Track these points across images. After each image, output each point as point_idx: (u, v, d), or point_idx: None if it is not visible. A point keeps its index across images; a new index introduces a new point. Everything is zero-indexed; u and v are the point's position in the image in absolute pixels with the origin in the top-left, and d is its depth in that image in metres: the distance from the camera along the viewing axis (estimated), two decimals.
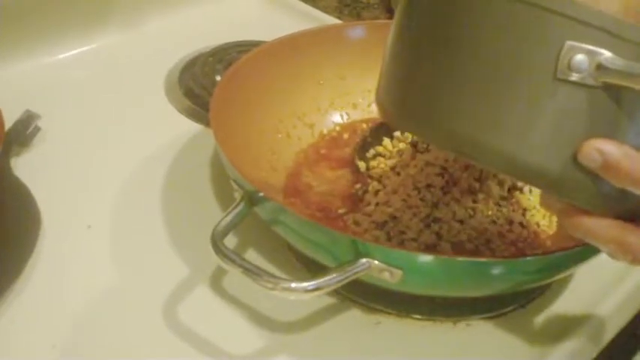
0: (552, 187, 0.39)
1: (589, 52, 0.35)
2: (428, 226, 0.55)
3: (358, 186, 0.61)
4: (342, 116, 0.69)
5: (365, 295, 0.53)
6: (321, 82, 0.68)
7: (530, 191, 0.59)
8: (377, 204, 0.58)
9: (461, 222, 0.56)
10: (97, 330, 0.51)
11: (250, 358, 0.50)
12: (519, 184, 0.59)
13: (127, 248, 0.57)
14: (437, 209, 0.56)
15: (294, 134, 0.66)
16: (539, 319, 0.53)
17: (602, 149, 0.36)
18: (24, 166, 0.64)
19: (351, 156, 0.64)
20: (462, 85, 0.38)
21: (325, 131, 0.67)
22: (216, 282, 0.54)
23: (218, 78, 0.75)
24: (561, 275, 0.53)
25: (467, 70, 0.38)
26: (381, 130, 0.64)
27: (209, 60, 0.79)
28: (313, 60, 0.68)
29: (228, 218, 0.49)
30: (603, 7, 0.36)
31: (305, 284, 0.44)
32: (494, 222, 0.56)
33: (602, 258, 0.42)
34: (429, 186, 0.58)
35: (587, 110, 0.36)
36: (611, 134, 0.37)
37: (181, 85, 0.77)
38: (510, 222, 0.57)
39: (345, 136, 0.67)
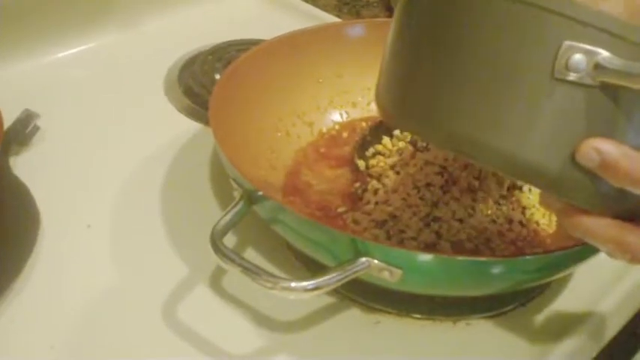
0: (551, 187, 0.39)
1: (587, 52, 0.35)
2: (427, 225, 0.55)
3: (358, 185, 0.61)
4: (341, 115, 0.69)
5: (364, 294, 0.53)
6: (321, 80, 0.68)
7: (530, 190, 0.59)
8: (376, 203, 0.58)
9: (460, 221, 0.56)
10: (96, 330, 0.51)
11: (250, 358, 0.50)
12: (519, 182, 0.58)
13: (126, 247, 0.57)
14: (436, 208, 0.56)
15: (294, 133, 0.65)
16: (539, 318, 0.53)
17: (600, 149, 0.36)
18: (23, 166, 0.64)
19: (351, 155, 0.64)
20: (461, 85, 0.38)
21: (325, 130, 0.67)
22: (215, 281, 0.54)
23: (217, 77, 0.75)
24: (561, 274, 0.53)
25: (466, 70, 0.38)
26: (380, 129, 0.64)
27: (208, 59, 0.78)
28: (312, 58, 0.68)
29: (228, 217, 0.49)
30: (607, 10, 0.36)
31: (304, 283, 0.44)
32: (493, 221, 0.56)
33: (602, 257, 0.42)
34: (428, 185, 0.58)
35: (585, 110, 0.36)
36: (609, 134, 0.37)
37: (181, 83, 0.76)
38: (510, 221, 0.57)
39: (345, 134, 0.67)
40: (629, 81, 0.35)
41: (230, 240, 0.55)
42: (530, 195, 0.59)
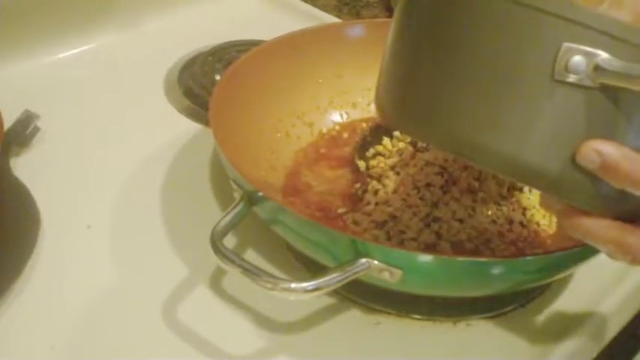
0: (551, 188, 0.39)
1: (586, 54, 0.35)
2: (428, 225, 0.55)
3: (358, 185, 0.61)
4: (341, 115, 0.69)
5: (365, 295, 0.53)
6: (321, 81, 0.68)
7: (530, 190, 0.59)
8: (376, 203, 0.58)
9: (460, 221, 0.56)
10: (97, 330, 0.51)
11: (250, 359, 0.50)
12: (519, 184, 0.58)
13: (126, 248, 0.57)
14: (436, 208, 0.56)
15: (294, 133, 0.65)
16: (540, 318, 0.53)
17: (600, 150, 0.36)
18: (23, 167, 0.64)
19: (351, 155, 0.64)
20: (461, 85, 0.38)
21: (325, 130, 0.67)
22: (215, 282, 0.54)
23: (217, 77, 0.75)
24: (561, 275, 0.53)
25: (466, 70, 0.38)
26: (380, 130, 0.64)
27: (208, 59, 0.78)
28: (312, 59, 0.68)
29: (228, 218, 0.49)
30: (614, 15, 0.37)
31: (304, 284, 0.44)
32: (494, 221, 0.56)
33: (602, 258, 0.42)
34: (428, 185, 0.58)
35: (585, 111, 0.36)
36: (609, 135, 0.36)
37: (181, 84, 0.76)
38: (510, 221, 0.57)
39: (345, 135, 0.67)
40: (629, 82, 0.35)
41: (230, 241, 0.55)
42: (531, 196, 0.59)
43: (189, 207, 0.61)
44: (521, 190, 0.59)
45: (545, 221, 0.57)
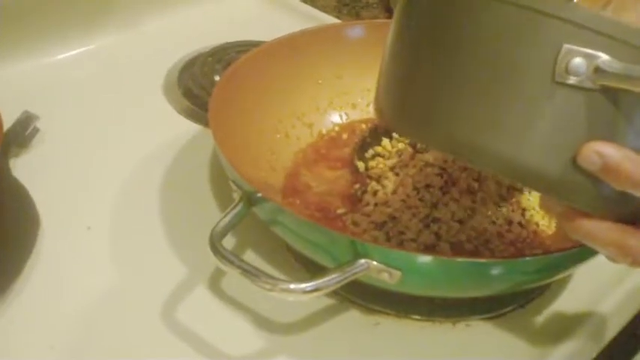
0: (552, 190, 0.39)
1: (587, 56, 0.35)
2: (427, 226, 0.55)
3: (357, 186, 0.61)
4: (341, 116, 0.69)
5: (364, 295, 0.53)
6: (320, 81, 0.68)
7: (530, 191, 0.59)
8: (376, 204, 0.58)
9: (460, 222, 0.56)
10: (96, 331, 0.51)
11: (249, 359, 0.50)
12: (519, 185, 0.59)
13: (125, 249, 0.57)
14: (436, 209, 0.56)
15: (293, 134, 0.65)
16: (539, 319, 0.53)
17: (601, 152, 0.36)
18: (22, 168, 0.64)
19: (350, 156, 0.64)
20: (461, 87, 0.38)
21: (324, 131, 0.67)
22: (215, 283, 0.54)
23: (217, 78, 0.75)
24: (561, 275, 0.53)
25: (466, 72, 0.38)
26: (380, 131, 0.64)
27: (208, 60, 0.78)
28: (312, 60, 0.68)
29: (227, 219, 0.49)
30: (626, 21, 0.37)
31: (304, 285, 0.44)
32: (493, 222, 0.56)
33: (602, 258, 0.42)
34: (428, 186, 0.58)
35: (585, 113, 0.36)
36: (610, 137, 0.36)
37: (180, 85, 0.76)
38: (509, 222, 0.57)
39: (344, 136, 0.67)
40: (630, 84, 0.35)
41: (229, 241, 0.55)
42: (530, 196, 0.59)
43: (189, 208, 0.61)
44: (520, 190, 0.59)
45: (544, 222, 0.57)
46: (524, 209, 0.58)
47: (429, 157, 0.60)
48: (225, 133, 0.56)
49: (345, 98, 0.69)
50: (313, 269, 0.53)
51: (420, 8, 0.40)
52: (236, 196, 0.51)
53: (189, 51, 0.82)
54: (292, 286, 0.44)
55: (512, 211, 0.57)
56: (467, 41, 0.38)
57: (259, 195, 0.50)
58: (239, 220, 0.50)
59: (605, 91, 0.36)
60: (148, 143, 0.67)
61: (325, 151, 0.65)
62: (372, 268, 0.45)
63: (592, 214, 0.39)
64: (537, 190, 0.42)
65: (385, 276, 0.46)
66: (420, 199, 0.57)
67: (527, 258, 0.49)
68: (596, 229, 0.39)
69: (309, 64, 0.68)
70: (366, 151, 0.63)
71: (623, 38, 0.35)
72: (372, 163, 0.62)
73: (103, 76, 0.77)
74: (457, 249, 0.54)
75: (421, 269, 0.47)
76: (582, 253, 0.47)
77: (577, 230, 0.40)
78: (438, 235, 0.55)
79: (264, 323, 0.52)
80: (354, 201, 0.60)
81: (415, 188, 0.58)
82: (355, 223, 0.57)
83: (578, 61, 0.35)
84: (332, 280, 0.45)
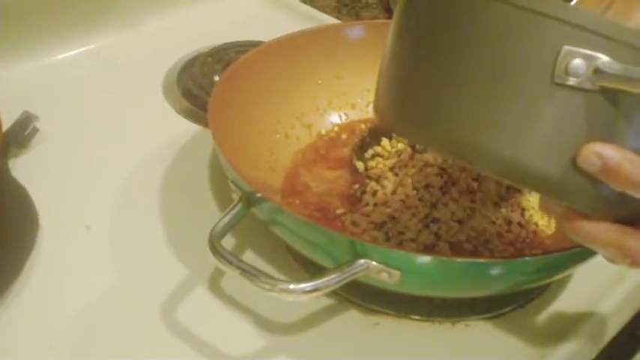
0: (551, 191, 0.39)
1: (586, 57, 0.35)
2: (427, 226, 0.55)
3: (357, 186, 0.61)
4: (340, 116, 0.69)
5: (363, 296, 0.53)
6: (320, 82, 0.68)
7: (529, 191, 0.59)
8: (375, 204, 0.58)
9: (459, 222, 0.56)
10: (96, 331, 0.51)
11: (248, 359, 0.50)
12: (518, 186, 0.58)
13: (125, 249, 0.57)
14: (435, 209, 0.56)
15: (293, 134, 0.65)
16: (538, 319, 0.53)
17: (601, 153, 0.36)
18: (22, 168, 0.64)
19: (350, 156, 0.64)
20: (460, 87, 0.38)
21: (323, 131, 0.67)
22: (214, 283, 0.54)
23: (216, 78, 0.75)
24: (560, 275, 0.53)
25: (465, 72, 0.38)
26: (379, 131, 0.64)
27: (207, 60, 0.78)
28: (312, 60, 0.68)
29: (226, 219, 0.49)
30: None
31: (303, 285, 0.44)
32: (492, 222, 0.56)
33: (601, 258, 0.42)
34: (427, 186, 0.58)
35: (585, 114, 0.36)
36: (610, 138, 0.36)
37: (180, 85, 0.76)
38: (509, 222, 0.57)
39: (344, 136, 0.67)
40: (629, 85, 0.35)
41: (229, 242, 0.55)
42: (530, 196, 0.59)
43: (188, 208, 0.61)
44: (520, 190, 0.59)
45: (543, 222, 0.57)
46: (523, 209, 0.58)
47: (428, 157, 0.60)
48: (225, 134, 0.56)
49: (345, 98, 0.69)
50: (312, 269, 0.53)
51: (420, 9, 0.40)
52: (235, 196, 0.51)
53: (188, 51, 0.81)
54: (292, 286, 0.44)
55: (512, 211, 0.57)
56: (466, 42, 0.38)
57: (258, 195, 0.50)
58: (238, 221, 0.50)
59: (605, 92, 0.36)
60: (147, 143, 0.67)
61: (324, 151, 0.65)
62: (372, 269, 0.45)
63: (591, 215, 0.39)
64: (537, 191, 0.42)
65: (384, 276, 0.46)
66: (420, 199, 0.57)
67: (527, 258, 0.49)
68: (596, 230, 0.39)
69: (308, 64, 0.68)
70: (366, 151, 0.63)
71: (623, 39, 0.35)
72: (371, 163, 0.62)
73: (102, 76, 0.77)
74: (456, 249, 0.54)
75: (420, 269, 0.47)
76: (582, 253, 0.47)
77: (576, 231, 0.40)
78: (437, 235, 0.55)
79: (263, 323, 0.52)
80: (354, 201, 0.60)
81: (414, 188, 0.58)
82: (354, 224, 0.57)
83: (577, 62, 0.35)
84: (331, 280, 0.45)
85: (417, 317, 0.53)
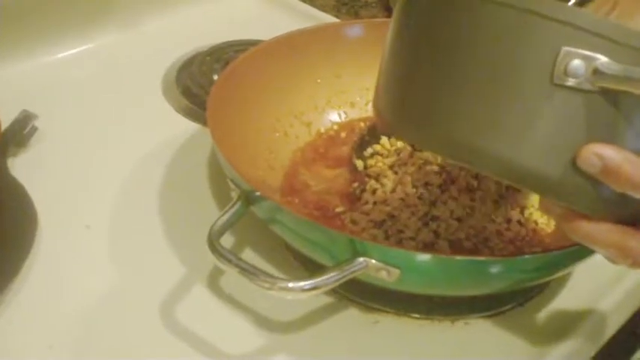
0: (551, 192, 0.38)
1: (585, 58, 0.35)
2: (426, 224, 0.55)
3: (356, 185, 0.61)
4: (339, 115, 0.68)
5: (363, 294, 0.53)
6: (319, 80, 0.68)
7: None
8: (375, 203, 0.58)
9: (459, 220, 0.56)
10: (95, 330, 0.51)
11: (248, 358, 0.50)
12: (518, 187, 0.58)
13: (124, 248, 0.57)
14: (435, 207, 0.56)
15: (292, 133, 0.65)
16: (538, 317, 0.53)
17: (601, 154, 0.36)
18: (21, 167, 0.63)
19: (349, 155, 0.64)
20: (459, 87, 0.38)
21: (323, 130, 0.67)
22: (213, 281, 0.54)
23: (215, 77, 0.75)
24: (560, 273, 0.53)
25: (464, 72, 0.37)
26: (378, 129, 0.64)
27: (206, 59, 0.78)
28: (311, 59, 0.68)
29: (225, 217, 0.49)
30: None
31: (302, 283, 0.44)
32: (492, 220, 0.56)
33: (601, 256, 0.42)
34: (426, 184, 0.58)
35: (585, 115, 0.36)
36: (610, 139, 0.36)
37: (179, 84, 0.76)
38: (508, 220, 0.57)
39: (343, 134, 0.67)
40: (629, 86, 0.35)
41: (228, 240, 0.55)
42: (530, 195, 0.59)
43: (187, 206, 0.61)
44: (519, 189, 0.59)
45: (543, 220, 0.57)
46: (523, 207, 0.58)
47: (427, 155, 0.60)
48: (224, 132, 0.56)
49: (344, 97, 0.69)
50: (312, 268, 0.53)
51: (419, 7, 0.40)
52: (234, 194, 0.51)
53: (187, 50, 0.81)
54: (291, 284, 0.44)
55: (512, 209, 0.57)
56: (465, 42, 0.38)
57: (257, 194, 0.50)
58: (237, 219, 0.50)
59: (604, 92, 0.36)
60: (146, 142, 0.67)
61: (324, 149, 0.65)
62: (371, 267, 0.45)
63: (592, 215, 0.39)
64: (536, 192, 0.42)
65: (384, 274, 0.46)
66: (419, 198, 0.57)
67: (527, 256, 0.49)
68: (596, 230, 0.39)
69: (307, 63, 0.68)
70: (365, 149, 0.63)
71: (622, 40, 0.35)
72: (370, 162, 0.62)
73: (101, 75, 0.77)
74: (456, 247, 0.54)
75: (420, 267, 0.47)
76: (581, 251, 0.47)
77: (576, 232, 0.40)
78: (436, 234, 0.55)
79: (262, 322, 0.52)
80: (353, 199, 0.59)
81: (414, 186, 0.58)
82: (354, 222, 0.57)
83: (576, 63, 0.35)
84: (330, 278, 0.45)
85: (416, 315, 0.53)
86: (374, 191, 0.59)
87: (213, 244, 0.46)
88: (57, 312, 0.52)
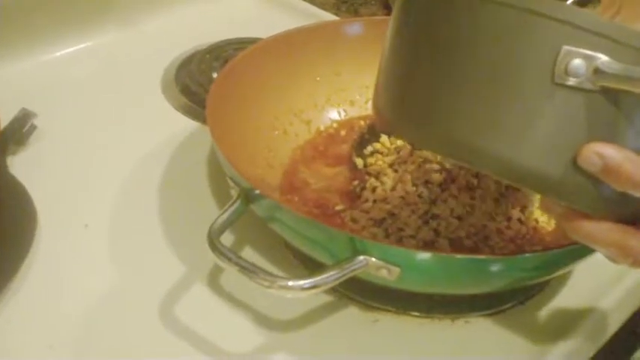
0: (552, 192, 0.38)
1: (586, 57, 0.35)
2: (426, 222, 0.55)
3: (356, 183, 0.61)
4: (339, 113, 0.68)
5: (362, 292, 0.53)
6: (318, 78, 0.68)
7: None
8: (375, 201, 0.58)
9: (459, 218, 0.55)
10: (95, 329, 0.51)
11: (248, 356, 0.50)
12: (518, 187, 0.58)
13: (124, 247, 0.57)
14: (435, 206, 0.56)
15: (291, 131, 0.65)
16: (539, 316, 0.53)
17: (602, 153, 0.36)
18: (20, 165, 0.63)
19: (349, 153, 0.64)
20: (459, 86, 0.38)
21: (322, 128, 0.67)
22: (213, 280, 0.54)
23: (214, 75, 0.75)
24: (560, 272, 0.52)
25: (464, 71, 0.37)
26: (377, 128, 0.64)
27: (206, 57, 0.78)
28: (310, 57, 0.68)
29: (225, 216, 0.49)
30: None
31: (302, 282, 0.44)
32: (492, 218, 0.56)
33: (601, 255, 0.42)
34: (426, 182, 0.58)
35: (585, 114, 0.36)
36: (610, 138, 0.36)
37: (178, 82, 0.76)
38: (509, 218, 0.57)
39: (343, 132, 0.67)
40: (629, 85, 0.35)
41: (227, 238, 0.55)
42: (530, 193, 0.58)
43: (187, 205, 0.61)
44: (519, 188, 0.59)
45: (544, 218, 0.57)
46: (523, 206, 0.58)
47: (427, 153, 0.60)
48: (223, 130, 0.56)
49: (343, 95, 0.69)
50: (312, 266, 0.53)
51: (419, 6, 0.40)
52: (234, 192, 0.51)
53: (187, 48, 0.81)
54: (290, 283, 0.44)
55: (512, 207, 0.57)
56: (465, 41, 0.37)
57: (257, 192, 0.50)
58: (237, 217, 0.50)
59: (605, 92, 0.36)
60: (145, 140, 0.67)
61: (323, 147, 0.65)
62: (371, 265, 0.45)
63: (592, 215, 0.39)
64: (537, 191, 0.42)
65: (384, 273, 0.46)
66: (419, 196, 0.57)
67: (527, 254, 0.49)
68: (597, 230, 0.39)
69: (307, 61, 0.67)
70: (365, 147, 0.63)
71: (623, 40, 0.35)
72: (370, 160, 0.62)
73: (100, 73, 0.77)
74: (456, 245, 0.54)
75: (420, 266, 0.47)
76: (582, 249, 0.47)
77: (577, 231, 0.40)
78: (437, 232, 0.55)
79: (262, 320, 0.52)
80: (353, 198, 0.59)
81: (414, 185, 0.58)
82: (354, 220, 0.56)
83: (577, 62, 0.35)
84: (330, 276, 0.44)
85: (416, 314, 0.53)
86: (374, 189, 0.59)
87: (213, 242, 0.46)
88: (56, 311, 0.52)
